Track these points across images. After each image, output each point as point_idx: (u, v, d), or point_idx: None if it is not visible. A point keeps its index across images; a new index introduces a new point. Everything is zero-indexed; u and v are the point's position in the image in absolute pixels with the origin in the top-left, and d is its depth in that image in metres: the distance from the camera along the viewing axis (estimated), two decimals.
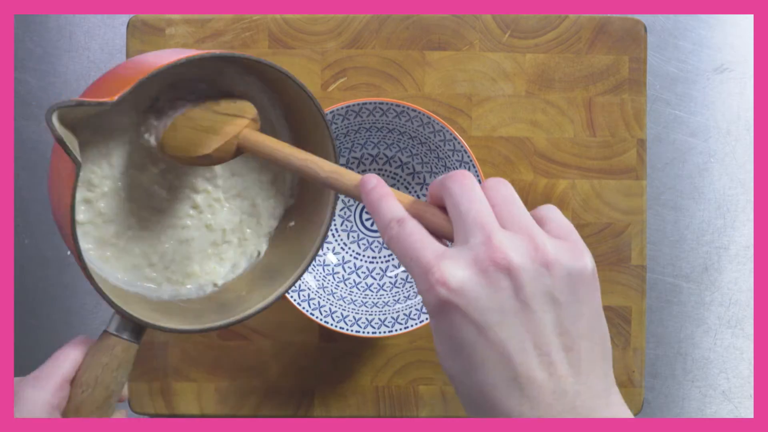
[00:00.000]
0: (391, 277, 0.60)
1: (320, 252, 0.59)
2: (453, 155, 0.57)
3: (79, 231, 0.41)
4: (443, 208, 0.33)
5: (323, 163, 0.37)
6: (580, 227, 0.61)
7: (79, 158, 0.34)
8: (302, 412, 0.61)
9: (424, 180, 0.59)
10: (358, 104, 0.55)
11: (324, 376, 0.61)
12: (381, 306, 0.58)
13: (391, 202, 0.34)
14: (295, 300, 0.55)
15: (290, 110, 0.45)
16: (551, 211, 0.33)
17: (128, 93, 0.35)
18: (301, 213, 0.48)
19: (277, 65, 0.40)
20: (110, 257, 0.43)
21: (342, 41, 0.61)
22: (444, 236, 0.33)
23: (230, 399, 0.61)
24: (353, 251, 0.61)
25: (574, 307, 0.30)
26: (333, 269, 0.60)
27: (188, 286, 0.45)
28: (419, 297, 0.58)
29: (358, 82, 0.61)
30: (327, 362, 0.61)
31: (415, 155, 0.59)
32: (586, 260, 0.31)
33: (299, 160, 0.38)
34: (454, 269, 0.30)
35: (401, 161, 0.60)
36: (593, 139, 0.62)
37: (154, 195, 0.44)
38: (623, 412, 0.30)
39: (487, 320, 0.29)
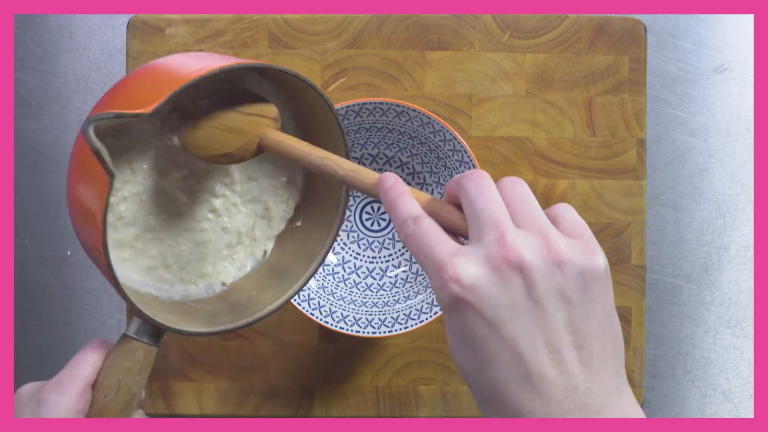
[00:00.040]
0: (391, 277, 0.60)
1: None
2: (453, 155, 0.57)
3: None
4: (460, 207, 0.34)
5: (342, 162, 0.37)
6: None
7: (113, 169, 0.34)
8: (302, 412, 0.61)
9: (424, 180, 0.59)
10: (358, 104, 0.55)
11: (324, 376, 0.61)
12: (381, 306, 0.58)
13: (408, 200, 0.34)
14: (295, 300, 0.55)
15: (301, 113, 0.45)
16: (565, 210, 0.33)
17: (162, 104, 0.35)
18: (308, 214, 0.48)
19: (301, 75, 0.40)
20: (127, 259, 0.43)
21: (342, 41, 0.61)
22: (460, 234, 0.34)
23: (230, 399, 0.61)
24: (353, 251, 0.61)
25: (586, 305, 0.30)
26: (333, 269, 0.60)
27: (199, 286, 0.46)
28: (419, 297, 0.58)
29: (358, 82, 0.61)
30: (327, 362, 0.61)
31: (415, 155, 0.59)
32: (598, 259, 0.31)
33: (318, 159, 0.38)
34: (468, 266, 0.30)
35: (401, 161, 0.60)
36: (593, 139, 0.62)
37: (175, 199, 0.45)
38: (634, 411, 0.31)
39: (499, 317, 0.30)
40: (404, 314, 0.57)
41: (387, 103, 0.55)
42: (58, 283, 0.65)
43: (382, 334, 0.56)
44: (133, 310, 0.39)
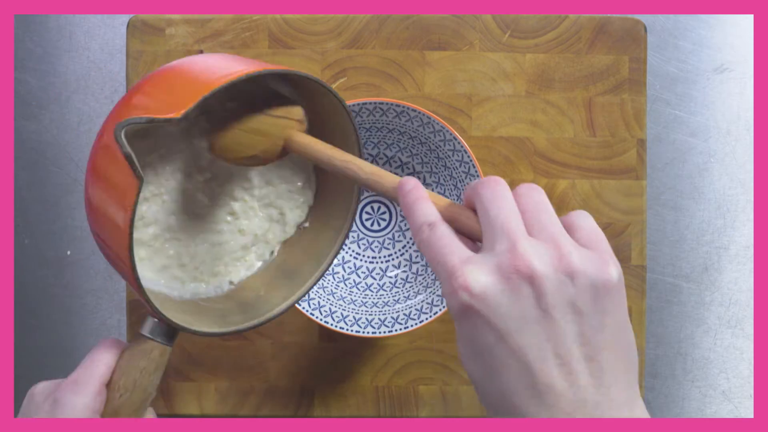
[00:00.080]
0: (391, 277, 0.60)
1: None
2: (453, 155, 0.57)
3: None
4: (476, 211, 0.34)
5: (364, 165, 0.38)
6: None
7: (142, 174, 0.34)
8: (302, 412, 0.61)
9: (425, 180, 0.60)
10: (358, 104, 0.55)
11: (324, 376, 0.61)
12: (381, 306, 0.58)
13: (425, 205, 0.34)
14: None
15: (316, 114, 0.46)
16: (582, 218, 0.33)
17: (192, 109, 0.35)
18: (317, 215, 0.49)
19: (323, 82, 0.41)
20: (144, 258, 0.44)
21: (342, 41, 0.61)
22: (478, 240, 0.34)
23: (230, 399, 0.61)
24: (353, 251, 0.61)
25: (597, 317, 0.30)
26: (333, 269, 0.60)
27: (209, 285, 0.46)
28: (419, 297, 0.58)
29: (358, 82, 0.61)
30: (327, 362, 0.61)
31: (415, 155, 0.59)
32: (611, 271, 0.30)
33: (341, 162, 0.38)
34: (478, 275, 0.30)
35: (401, 161, 0.60)
36: (593, 139, 0.62)
37: (197, 201, 0.45)
38: None
39: (507, 326, 0.30)
40: (404, 314, 0.57)
41: (387, 103, 0.55)
42: (58, 283, 0.65)
43: (382, 334, 0.56)
44: (149, 310, 0.39)
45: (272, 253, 0.48)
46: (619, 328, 0.31)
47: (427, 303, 0.57)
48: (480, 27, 0.62)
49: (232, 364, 0.61)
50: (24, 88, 0.64)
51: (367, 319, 0.57)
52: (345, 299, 0.58)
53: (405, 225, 0.60)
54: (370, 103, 0.55)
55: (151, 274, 0.44)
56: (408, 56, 0.62)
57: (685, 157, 0.65)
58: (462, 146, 0.56)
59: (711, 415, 0.65)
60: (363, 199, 0.61)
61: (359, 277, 0.60)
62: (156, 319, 0.39)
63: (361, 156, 0.44)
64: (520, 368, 0.30)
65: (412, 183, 0.35)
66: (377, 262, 0.60)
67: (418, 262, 0.60)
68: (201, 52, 0.61)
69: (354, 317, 0.57)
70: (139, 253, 0.43)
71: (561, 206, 0.62)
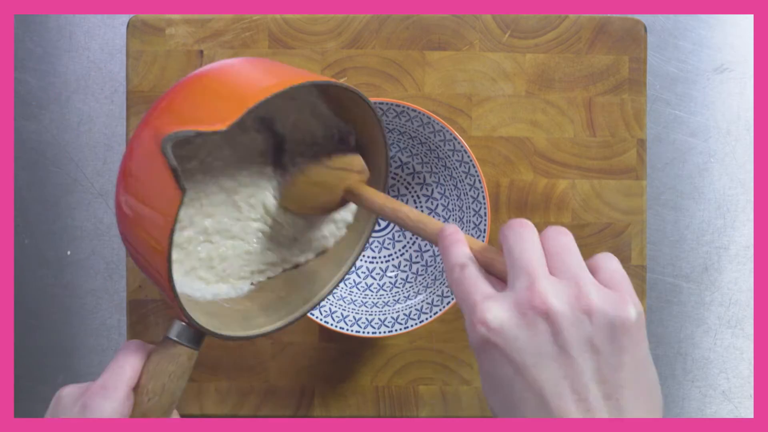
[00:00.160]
0: (391, 277, 0.60)
1: None
2: (453, 155, 0.57)
3: None
4: None
5: (411, 213, 0.40)
6: (580, 227, 0.61)
7: (185, 185, 0.34)
8: (302, 412, 0.61)
9: (424, 180, 0.59)
10: None
11: (324, 376, 0.61)
12: (381, 306, 0.58)
13: (460, 247, 0.36)
14: None
15: (349, 121, 0.46)
16: (607, 260, 0.33)
17: (237, 121, 0.35)
18: None
19: (361, 93, 0.41)
20: (175, 260, 0.43)
21: (342, 41, 0.61)
22: (505, 281, 0.35)
23: (230, 399, 0.61)
24: None
25: (615, 356, 0.30)
26: None
27: (232, 286, 0.46)
28: (419, 297, 0.58)
29: (358, 82, 0.61)
30: (327, 362, 0.61)
31: (415, 155, 0.59)
32: (629, 309, 0.31)
33: (391, 210, 0.41)
34: (496, 310, 0.31)
35: (401, 161, 0.60)
36: (593, 139, 0.62)
37: (235, 206, 0.45)
38: None
39: (524, 360, 0.30)
40: (404, 314, 0.57)
41: (387, 103, 0.55)
42: (58, 283, 0.65)
43: (382, 334, 0.56)
44: (177, 314, 0.39)
45: (296, 266, 0.49)
46: (639, 366, 0.31)
47: (427, 303, 0.57)
48: (480, 27, 0.61)
49: (232, 364, 0.61)
50: (24, 88, 0.64)
51: (367, 319, 0.57)
52: (345, 299, 0.58)
53: None
54: None
55: (179, 276, 0.44)
56: (408, 56, 0.62)
57: (685, 157, 0.65)
58: (462, 146, 0.56)
59: (711, 415, 0.65)
60: None
61: (359, 277, 0.60)
62: (183, 323, 0.39)
63: (387, 162, 0.46)
64: (537, 402, 0.30)
65: (452, 228, 0.37)
66: (377, 262, 0.60)
67: (418, 262, 0.60)
68: (201, 52, 0.61)
69: (354, 317, 0.57)
70: (172, 256, 0.43)
71: (561, 206, 0.62)
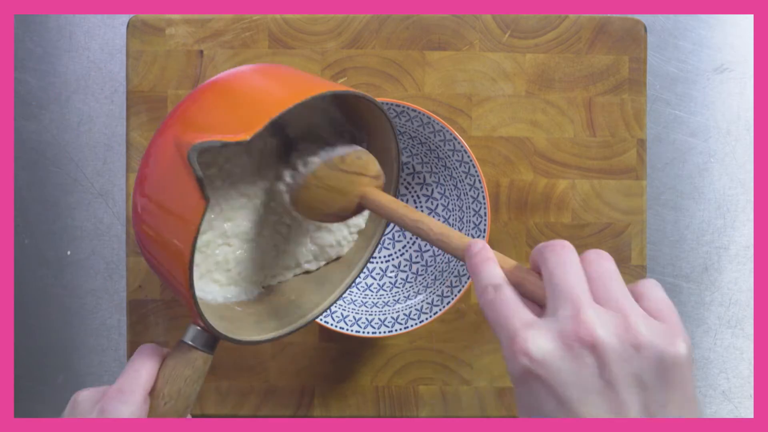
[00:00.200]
0: (391, 277, 0.60)
1: None
2: (453, 155, 0.57)
3: None
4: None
5: (433, 225, 0.39)
6: (580, 227, 0.61)
7: (208, 195, 0.34)
8: (302, 412, 0.61)
9: (424, 180, 0.59)
10: None
11: (324, 376, 0.61)
12: (381, 306, 0.58)
13: (491, 266, 0.34)
14: None
15: (360, 129, 0.46)
16: (651, 288, 0.32)
17: (260, 132, 0.35)
18: None
19: (377, 101, 0.41)
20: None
21: (342, 41, 0.61)
22: (540, 303, 0.33)
23: (230, 399, 0.61)
24: None
25: (663, 393, 0.29)
26: None
27: (243, 288, 0.46)
28: (419, 297, 0.58)
29: (358, 82, 0.61)
30: (327, 362, 0.61)
31: (415, 155, 0.59)
32: (681, 345, 0.30)
33: (412, 221, 0.39)
34: (539, 340, 0.30)
35: (401, 161, 0.60)
36: (593, 139, 0.62)
37: (254, 210, 0.46)
38: None
39: (569, 395, 0.29)
40: (404, 314, 0.57)
41: (387, 103, 0.55)
42: (58, 283, 0.65)
43: (382, 334, 0.56)
44: (194, 319, 0.39)
45: (308, 272, 0.49)
46: (686, 404, 0.30)
47: (427, 303, 0.57)
48: (480, 27, 0.61)
49: (232, 364, 0.61)
50: (24, 88, 0.64)
51: (367, 319, 0.57)
52: (345, 299, 0.58)
53: None
54: None
55: (194, 279, 0.44)
56: (408, 56, 0.62)
57: (685, 157, 0.65)
58: (462, 146, 0.56)
59: (711, 415, 0.65)
60: None
61: (359, 277, 0.60)
62: (199, 328, 0.39)
63: (398, 174, 0.45)
64: None
65: (480, 245, 0.35)
66: (377, 262, 0.60)
67: (418, 262, 0.60)
68: (201, 52, 0.61)
69: (354, 317, 0.57)
70: None
71: (561, 206, 0.62)
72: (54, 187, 0.64)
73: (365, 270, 0.60)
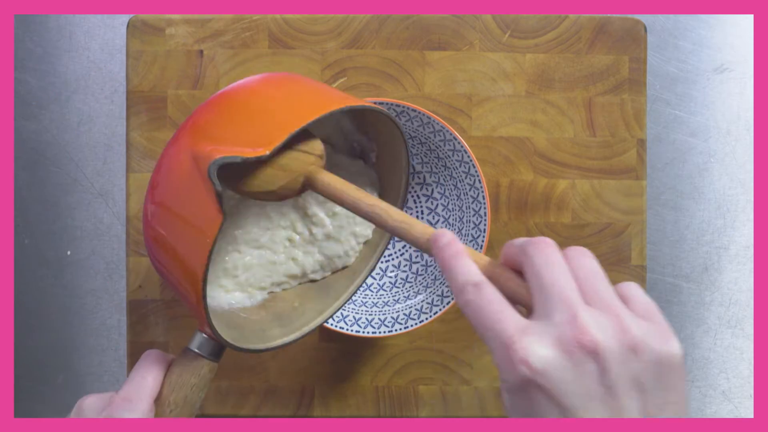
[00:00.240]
0: (391, 277, 0.60)
1: None
2: (453, 155, 0.57)
3: None
4: (517, 271, 0.33)
5: (392, 211, 0.36)
6: (580, 227, 0.61)
7: (226, 210, 0.34)
8: (302, 412, 0.61)
9: (424, 180, 0.59)
10: None
11: (324, 376, 0.61)
12: (381, 306, 0.58)
13: (466, 262, 0.32)
14: None
15: (372, 137, 0.46)
16: (633, 289, 0.32)
17: (282, 144, 0.35)
18: None
19: (397, 121, 0.41)
20: None
21: (342, 41, 0.61)
22: (519, 303, 0.32)
23: (230, 399, 0.61)
24: None
25: (661, 394, 0.29)
26: None
27: (248, 294, 0.46)
28: (419, 297, 0.58)
29: (358, 82, 0.61)
30: (327, 362, 0.61)
31: (415, 155, 0.59)
32: (674, 345, 0.29)
33: (367, 206, 0.37)
34: (538, 347, 0.29)
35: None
36: (593, 139, 0.62)
37: (266, 217, 0.46)
38: None
39: (572, 403, 0.29)
40: (404, 314, 0.57)
41: (387, 103, 0.55)
42: (58, 283, 0.65)
43: (382, 334, 0.56)
44: (200, 326, 0.39)
45: (313, 281, 0.49)
46: (681, 404, 0.30)
47: (427, 303, 0.57)
48: (480, 27, 0.61)
49: (232, 364, 0.61)
50: (24, 88, 0.64)
51: (367, 319, 0.57)
52: None
53: None
54: None
55: None
56: (408, 56, 0.62)
57: (685, 157, 0.65)
58: (462, 146, 0.56)
59: (711, 415, 0.65)
60: None
61: None
62: (205, 336, 0.39)
63: (407, 184, 0.44)
64: None
65: (448, 236, 0.33)
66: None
67: (418, 262, 0.60)
68: (201, 52, 0.61)
69: (354, 317, 0.57)
70: None
71: (561, 206, 0.62)
72: (54, 187, 0.64)
73: None
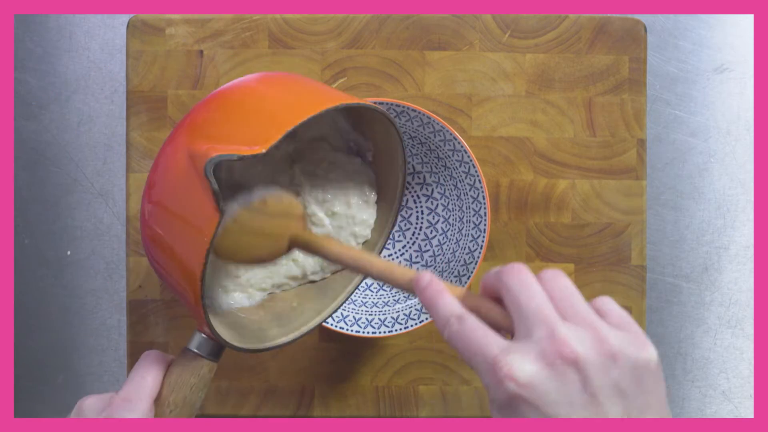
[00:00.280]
0: None
1: None
2: (453, 155, 0.57)
3: None
4: (497, 300, 0.34)
5: (375, 260, 0.38)
6: (580, 227, 0.61)
7: (223, 207, 0.35)
8: (302, 412, 0.61)
9: (424, 180, 0.59)
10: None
11: (324, 376, 0.61)
12: (381, 306, 0.58)
13: (448, 298, 0.34)
14: None
15: (373, 141, 0.47)
16: (607, 303, 0.33)
17: (278, 142, 0.35)
18: None
19: (390, 116, 0.41)
20: None
21: (342, 41, 0.61)
22: (500, 329, 0.34)
23: (230, 399, 0.61)
24: None
25: (641, 398, 0.30)
26: None
27: (247, 295, 0.46)
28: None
29: (358, 82, 0.61)
30: (327, 362, 0.61)
31: (415, 155, 0.59)
32: (650, 351, 0.31)
33: (351, 259, 0.39)
34: (522, 363, 0.30)
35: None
36: (593, 139, 0.62)
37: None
38: None
39: (557, 413, 0.30)
40: (404, 314, 0.57)
41: (387, 103, 0.55)
42: (58, 283, 0.65)
43: (382, 334, 0.56)
44: (198, 326, 0.39)
45: (312, 281, 0.49)
46: (661, 407, 0.31)
47: None
48: (480, 27, 0.61)
49: (232, 364, 0.61)
50: (24, 88, 0.64)
51: (367, 319, 0.57)
52: None
53: (404, 225, 0.60)
54: None
55: None
56: (408, 56, 0.62)
57: (685, 157, 0.65)
58: (462, 146, 0.56)
59: (711, 415, 0.65)
60: None
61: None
62: (204, 336, 0.39)
63: (403, 184, 0.45)
64: None
65: (427, 277, 0.35)
66: None
67: (418, 262, 0.60)
68: (201, 52, 0.61)
69: (354, 317, 0.57)
70: None
71: (561, 206, 0.62)
72: (54, 187, 0.64)
73: None
